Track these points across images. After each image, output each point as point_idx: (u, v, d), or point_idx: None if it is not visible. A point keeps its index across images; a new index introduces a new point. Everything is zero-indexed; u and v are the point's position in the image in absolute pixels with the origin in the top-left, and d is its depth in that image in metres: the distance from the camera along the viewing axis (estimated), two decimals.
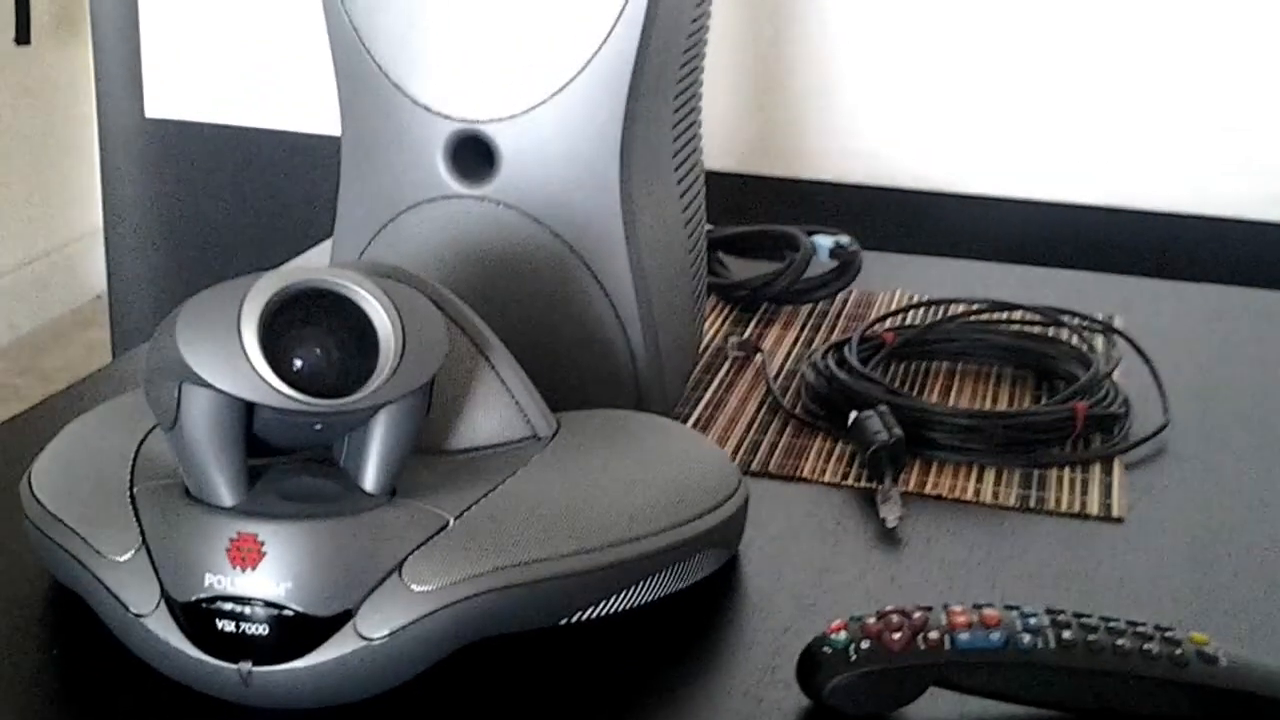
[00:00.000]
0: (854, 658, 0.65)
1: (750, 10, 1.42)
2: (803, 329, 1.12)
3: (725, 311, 1.16)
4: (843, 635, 0.66)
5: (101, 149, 1.66)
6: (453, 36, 0.85)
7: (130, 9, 1.59)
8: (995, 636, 0.65)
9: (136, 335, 1.67)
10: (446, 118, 0.86)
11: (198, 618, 0.65)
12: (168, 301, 1.64)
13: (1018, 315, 1.10)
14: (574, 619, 0.71)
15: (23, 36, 2.75)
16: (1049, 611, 0.66)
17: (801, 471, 0.90)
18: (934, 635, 0.65)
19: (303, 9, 1.51)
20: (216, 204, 1.63)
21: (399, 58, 0.86)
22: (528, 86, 0.85)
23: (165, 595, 0.66)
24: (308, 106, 1.55)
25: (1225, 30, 1.33)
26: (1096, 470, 0.91)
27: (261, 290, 0.65)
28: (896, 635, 0.65)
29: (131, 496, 0.70)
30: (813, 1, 1.40)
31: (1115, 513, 0.86)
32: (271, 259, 1.24)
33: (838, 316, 1.15)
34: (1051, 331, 1.08)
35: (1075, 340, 1.05)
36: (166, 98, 1.60)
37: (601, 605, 0.71)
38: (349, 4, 0.87)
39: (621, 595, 0.72)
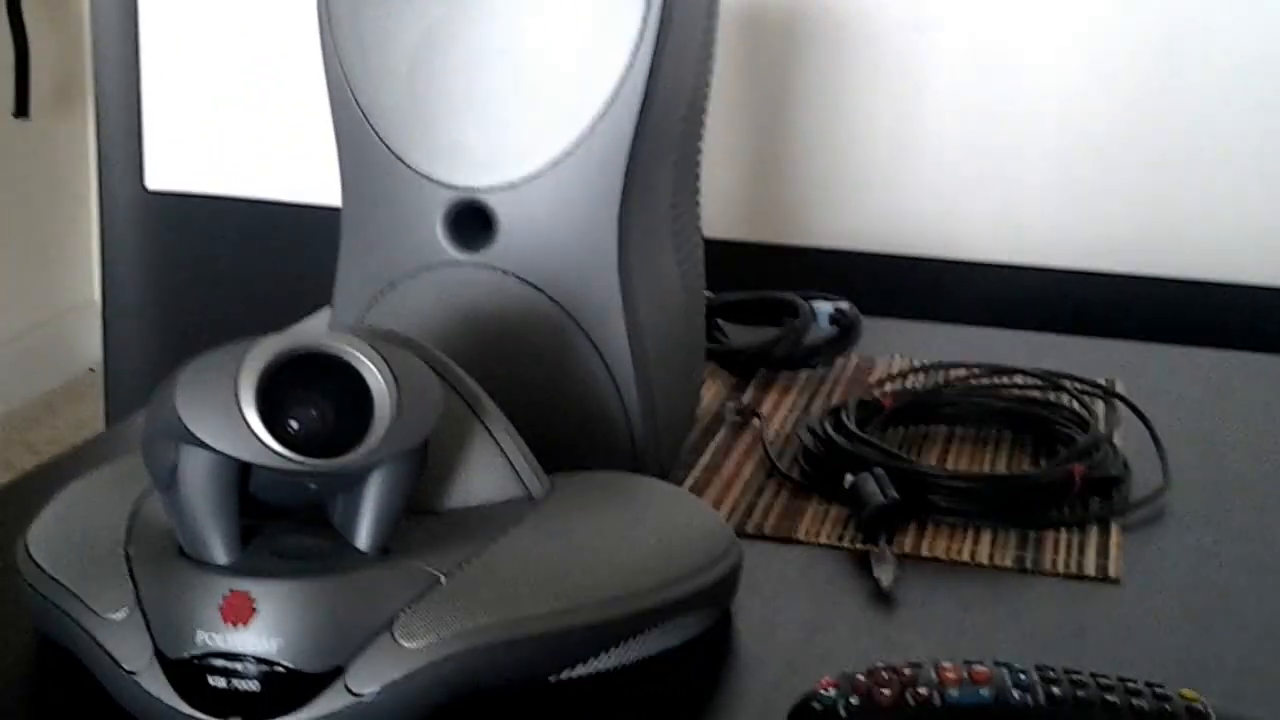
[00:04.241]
0: (843, 714, 0.65)
1: (751, 78, 1.43)
2: (801, 394, 1.13)
3: (724, 378, 1.16)
4: (832, 692, 0.66)
5: (101, 221, 1.67)
6: (452, 106, 0.86)
7: (132, 81, 1.60)
8: (985, 692, 0.65)
9: (131, 408, 1.67)
10: (445, 186, 0.87)
11: (190, 674, 0.65)
12: (164, 374, 1.64)
13: (1017, 379, 1.10)
14: (564, 676, 0.71)
15: (22, 110, 2.77)
16: (1038, 668, 0.66)
17: (796, 533, 0.90)
18: (923, 691, 0.65)
19: (303, 81, 1.53)
20: (216, 276, 1.63)
21: (399, 127, 0.87)
22: (526, 155, 0.86)
23: (158, 652, 0.66)
24: (308, 178, 1.56)
25: (1223, 99, 1.34)
26: (1094, 532, 0.91)
27: (259, 354, 0.66)
28: (886, 691, 0.65)
29: (126, 555, 0.70)
30: (813, 69, 1.42)
31: (1112, 574, 0.86)
32: (271, 331, 1.24)
33: (836, 382, 1.15)
34: (1051, 396, 1.08)
35: (1075, 404, 1.05)
36: (167, 170, 1.62)
37: (591, 662, 0.72)
38: (351, 75, 0.88)
39: (611, 652, 0.72)
